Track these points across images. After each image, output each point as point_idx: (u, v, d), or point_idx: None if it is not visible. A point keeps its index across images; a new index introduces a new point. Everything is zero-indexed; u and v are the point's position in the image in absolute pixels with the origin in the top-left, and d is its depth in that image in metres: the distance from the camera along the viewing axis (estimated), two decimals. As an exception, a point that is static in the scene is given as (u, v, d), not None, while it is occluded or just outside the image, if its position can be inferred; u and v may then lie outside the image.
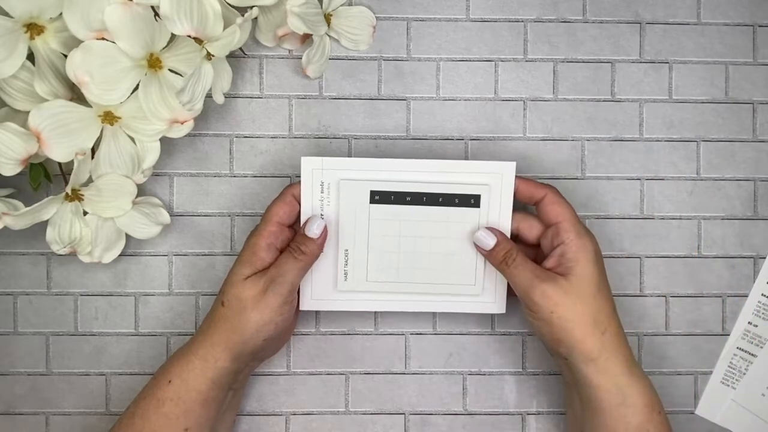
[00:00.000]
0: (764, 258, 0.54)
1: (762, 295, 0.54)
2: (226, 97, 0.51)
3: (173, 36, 0.45)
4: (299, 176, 0.48)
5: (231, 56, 0.48)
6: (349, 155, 0.53)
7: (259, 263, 0.46)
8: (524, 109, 0.54)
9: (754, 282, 0.54)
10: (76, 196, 0.47)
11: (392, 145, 0.53)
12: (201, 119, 0.52)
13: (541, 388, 0.54)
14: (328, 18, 0.52)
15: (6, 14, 0.41)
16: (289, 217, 0.48)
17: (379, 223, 0.48)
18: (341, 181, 0.48)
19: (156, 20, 0.43)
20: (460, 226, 0.49)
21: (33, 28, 0.43)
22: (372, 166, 0.48)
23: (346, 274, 0.49)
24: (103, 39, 0.43)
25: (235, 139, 0.53)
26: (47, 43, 0.44)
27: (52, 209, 0.46)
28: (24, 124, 0.43)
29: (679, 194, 0.54)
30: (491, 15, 0.54)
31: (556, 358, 0.49)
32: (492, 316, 0.54)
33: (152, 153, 0.48)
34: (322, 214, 0.48)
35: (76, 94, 0.45)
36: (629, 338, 0.47)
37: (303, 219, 0.48)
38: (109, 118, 0.46)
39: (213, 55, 0.45)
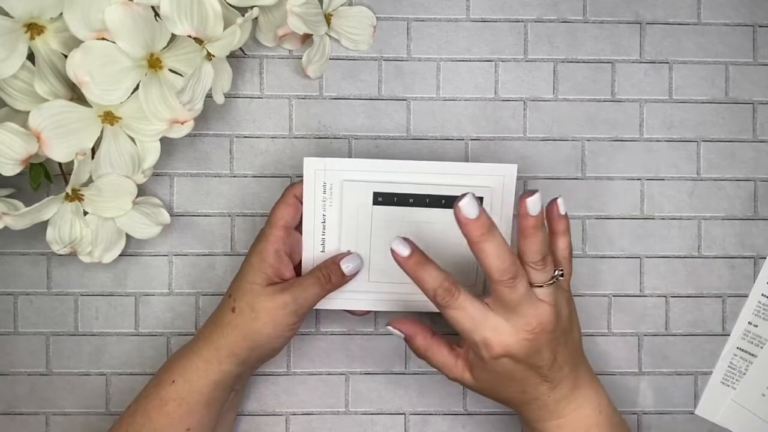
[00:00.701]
0: (764, 258, 0.54)
1: (762, 295, 0.54)
2: (226, 97, 0.51)
3: (173, 36, 0.45)
4: (299, 176, 0.48)
5: (231, 56, 0.48)
6: (350, 155, 0.53)
7: (269, 270, 0.46)
8: (524, 109, 0.54)
9: (754, 282, 0.54)
10: (76, 196, 0.47)
11: (392, 145, 0.53)
12: (201, 119, 0.52)
13: (541, 388, 0.54)
14: (328, 18, 0.52)
15: (6, 14, 0.41)
16: (294, 219, 0.47)
17: (381, 224, 0.48)
18: (344, 182, 0.48)
19: (156, 20, 0.43)
20: None
21: (33, 28, 0.43)
22: (375, 167, 0.48)
23: (346, 274, 0.49)
24: (103, 39, 0.43)
25: (235, 139, 0.53)
26: (47, 43, 0.44)
27: (52, 209, 0.46)
28: (24, 124, 0.43)
29: (679, 194, 0.54)
30: (491, 15, 0.54)
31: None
32: (492, 316, 0.54)
33: (152, 153, 0.48)
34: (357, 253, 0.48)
35: (76, 94, 0.45)
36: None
37: (305, 220, 0.48)
38: (109, 118, 0.46)
39: (213, 55, 0.45)
